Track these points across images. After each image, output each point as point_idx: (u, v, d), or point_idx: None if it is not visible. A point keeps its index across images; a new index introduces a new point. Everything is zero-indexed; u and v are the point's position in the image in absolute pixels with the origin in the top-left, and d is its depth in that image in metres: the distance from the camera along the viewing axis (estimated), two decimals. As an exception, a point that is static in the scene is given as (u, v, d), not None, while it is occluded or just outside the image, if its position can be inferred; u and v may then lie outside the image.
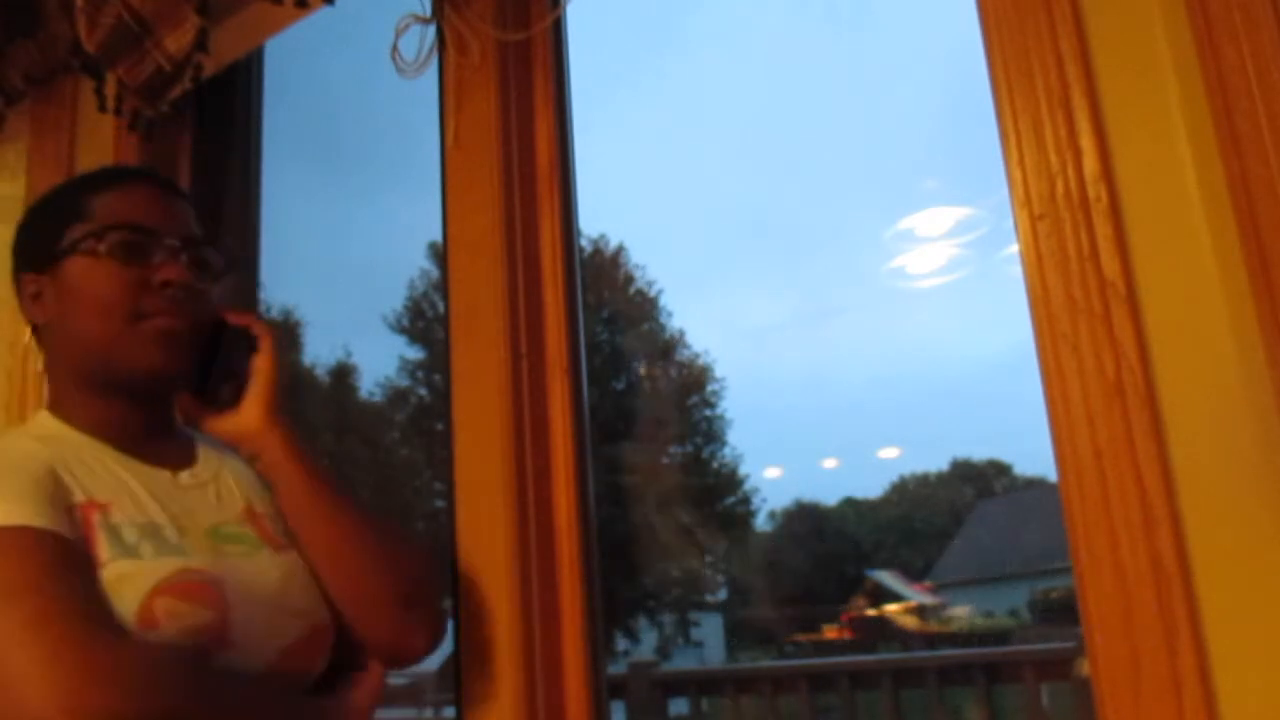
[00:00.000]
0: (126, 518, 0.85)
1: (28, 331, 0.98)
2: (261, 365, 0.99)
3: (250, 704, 0.81)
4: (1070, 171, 0.79)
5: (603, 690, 1.12)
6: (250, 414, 0.97)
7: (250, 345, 1.00)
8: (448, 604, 0.99)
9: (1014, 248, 0.82)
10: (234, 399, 0.98)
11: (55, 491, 0.83)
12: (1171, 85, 0.76)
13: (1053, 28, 0.82)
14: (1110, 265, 0.76)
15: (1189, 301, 0.74)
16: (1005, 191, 0.83)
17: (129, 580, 0.80)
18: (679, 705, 5.13)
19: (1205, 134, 0.74)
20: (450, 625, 1.07)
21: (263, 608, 0.87)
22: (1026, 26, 0.83)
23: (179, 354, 0.93)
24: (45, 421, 0.94)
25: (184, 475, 0.94)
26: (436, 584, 1.00)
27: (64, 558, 0.78)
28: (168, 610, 0.80)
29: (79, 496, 0.84)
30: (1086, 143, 0.79)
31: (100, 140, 1.58)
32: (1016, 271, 0.81)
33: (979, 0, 0.86)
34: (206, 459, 0.98)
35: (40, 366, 0.99)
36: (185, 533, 0.87)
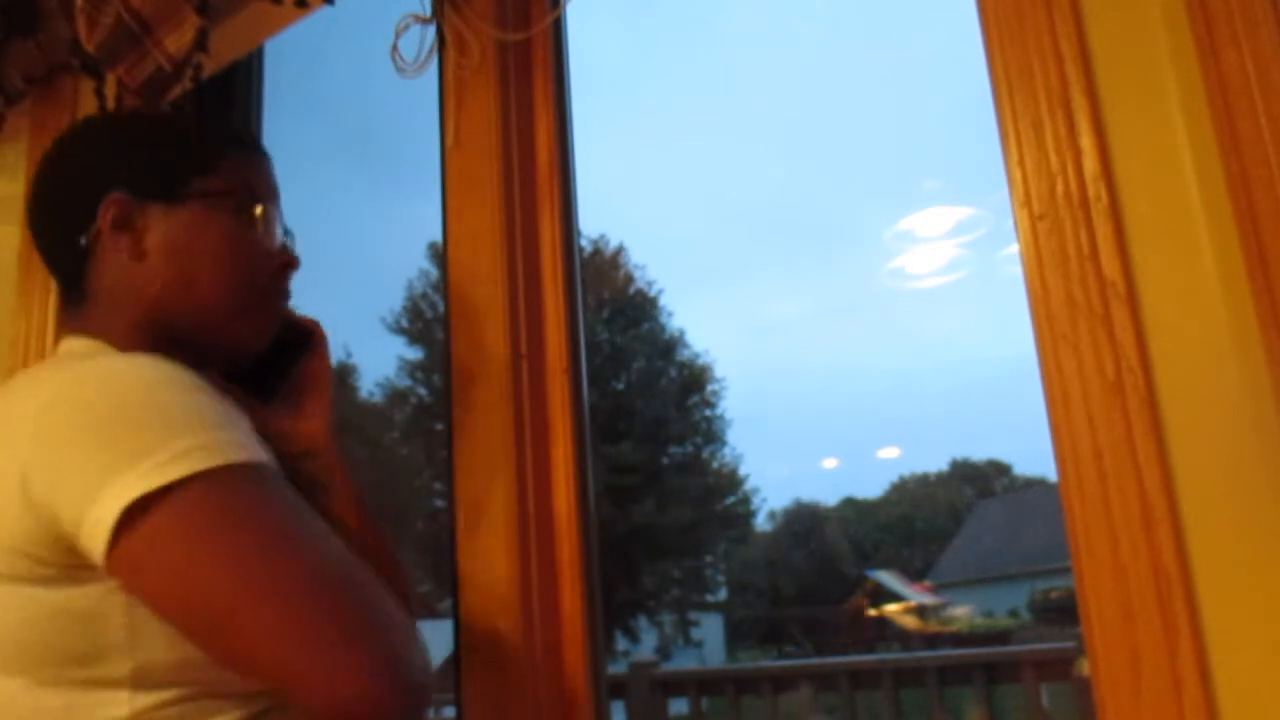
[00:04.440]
0: None
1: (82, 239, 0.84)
2: (321, 368, 0.96)
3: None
4: (1070, 171, 0.79)
5: (603, 690, 1.12)
6: (314, 418, 0.93)
7: (300, 343, 0.97)
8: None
9: (1014, 248, 0.82)
10: (285, 397, 0.95)
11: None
12: (1171, 85, 0.76)
13: (1053, 28, 0.82)
14: (1110, 265, 0.76)
15: (1189, 301, 0.74)
16: (1005, 191, 0.83)
17: None
18: (679, 705, 5.13)
19: (1205, 134, 0.74)
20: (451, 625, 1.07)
21: None
22: (1026, 26, 0.83)
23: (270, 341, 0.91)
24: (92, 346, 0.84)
25: None
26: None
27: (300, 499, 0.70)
28: None
29: None
30: (1086, 143, 0.79)
31: (100, 140, 1.58)
32: (1016, 271, 0.81)
33: (979, 0, 0.86)
34: None
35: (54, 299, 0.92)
36: None
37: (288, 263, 0.91)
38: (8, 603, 0.69)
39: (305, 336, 0.97)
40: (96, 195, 0.84)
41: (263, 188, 0.91)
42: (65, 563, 0.67)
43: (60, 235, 0.86)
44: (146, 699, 0.68)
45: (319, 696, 0.60)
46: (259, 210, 0.89)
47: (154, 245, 0.84)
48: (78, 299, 0.86)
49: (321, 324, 0.98)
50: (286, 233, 0.93)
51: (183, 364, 0.76)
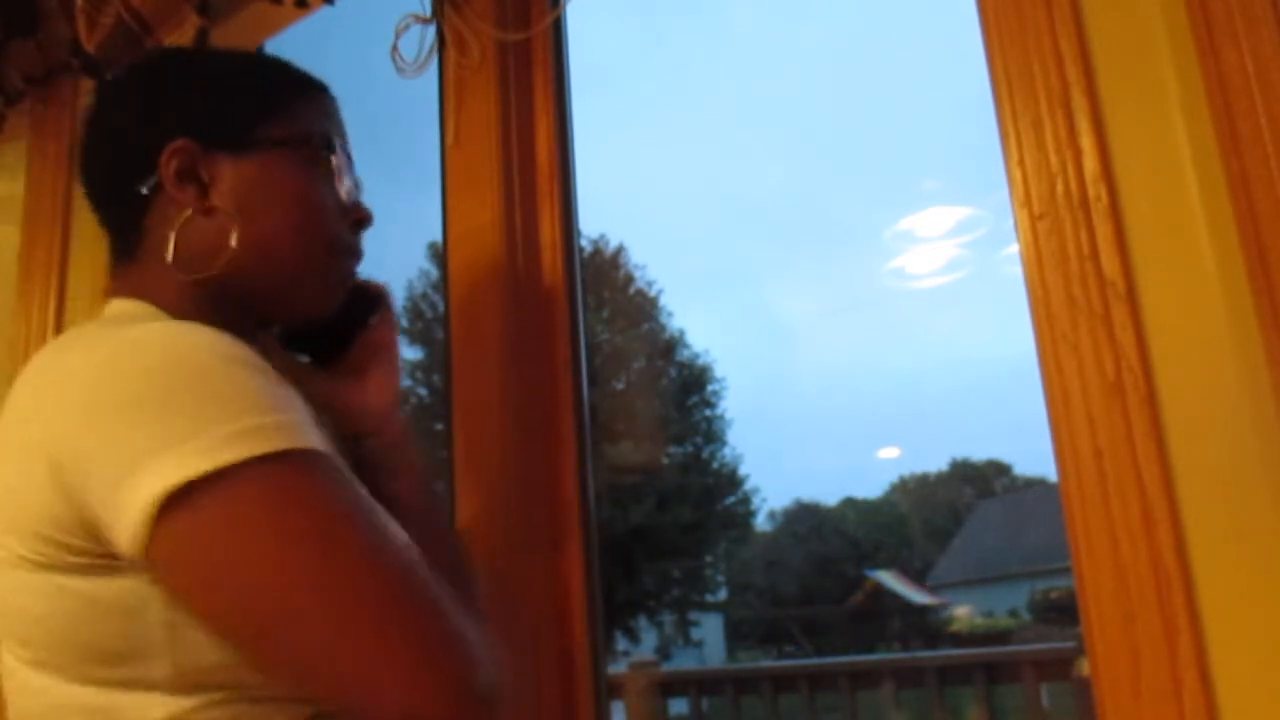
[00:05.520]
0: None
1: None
2: (388, 337, 0.87)
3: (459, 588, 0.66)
4: (1070, 171, 0.79)
5: (603, 690, 1.12)
6: (380, 390, 0.84)
7: (366, 309, 0.88)
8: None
9: (1014, 248, 0.82)
10: (348, 369, 0.86)
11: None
12: (1171, 85, 0.76)
13: (1053, 28, 0.82)
14: (1110, 265, 0.76)
15: (1189, 301, 0.74)
16: (1005, 191, 0.83)
17: None
18: (679, 705, 5.13)
19: (1205, 134, 0.74)
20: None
21: None
22: (1026, 26, 0.83)
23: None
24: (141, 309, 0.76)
25: None
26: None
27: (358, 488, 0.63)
28: None
29: None
30: (1086, 143, 0.79)
31: (100, 140, 1.58)
32: (1016, 271, 0.81)
33: (979, 0, 0.86)
34: None
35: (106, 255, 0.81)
36: None
37: (361, 218, 0.83)
38: (36, 592, 0.62)
39: (372, 301, 0.87)
40: (159, 141, 0.75)
41: (336, 133, 0.83)
42: (97, 551, 0.60)
43: (115, 184, 0.78)
44: (185, 702, 0.62)
45: (379, 716, 0.55)
46: (334, 160, 0.81)
47: (221, 199, 0.75)
48: (129, 256, 0.78)
49: (380, 284, 0.89)
50: (357, 184, 0.84)
51: (242, 330, 0.70)
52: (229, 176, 0.76)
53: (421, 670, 0.56)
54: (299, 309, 0.81)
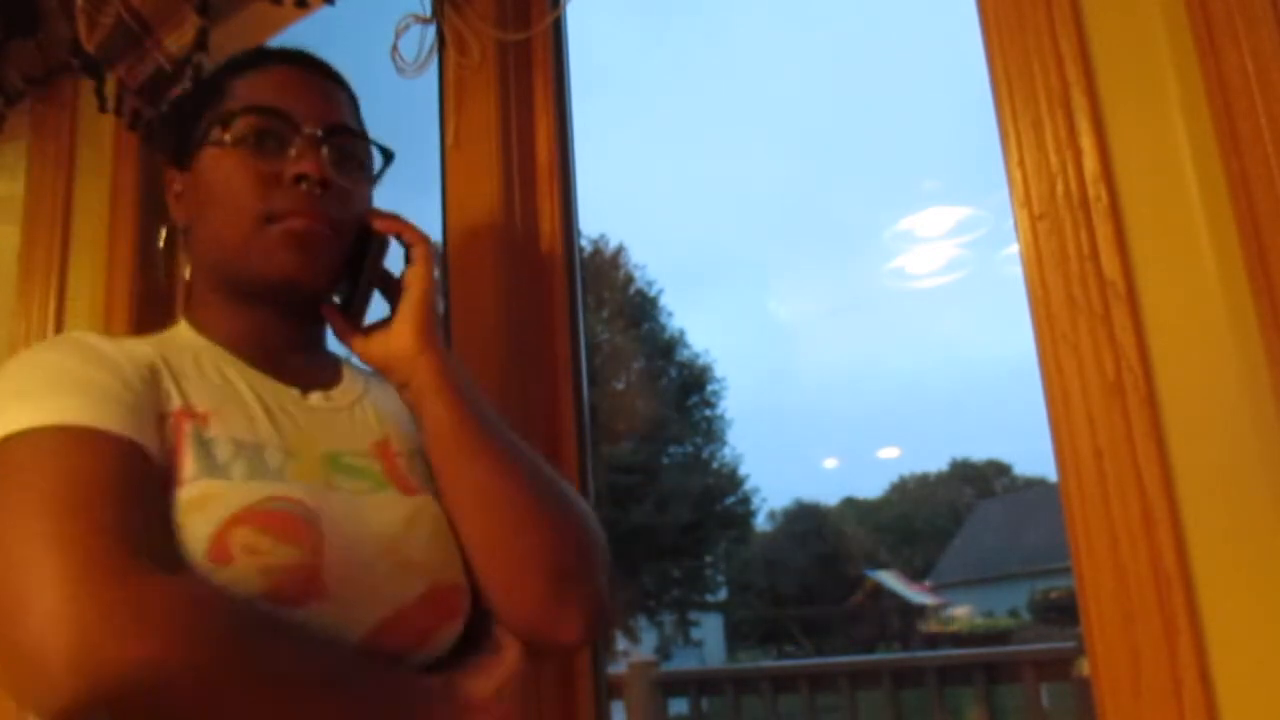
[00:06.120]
0: (226, 432, 0.72)
1: (163, 233, 0.90)
2: (413, 279, 0.83)
3: (323, 670, 0.65)
4: (1070, 171, 0.79)
5: (603, 690, 1.12)
6: (400, 335, 0.81)
7: (403, 255, 0.85)
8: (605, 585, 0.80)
9: (1014, 248, 0.82)
10: (384, 318, 0.84)
11: (144, 394, 0.71)
12: (1171, 85, 0.76)
13: (1053, 28, 0.82)
14: (1110, 265, 0.76)
15: (1189, 301, 0.74)
16: (1005, 191, 0.83)
17: (207, 504, 0.67)
18: (679, 705, 5.13)
19: (1205, 134, 0.74)
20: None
21: (370, 555, 0.72)
22: (1026, 26, 0.83)
23: (314, 260, 0.80)
24: (177, 327, 0.84)
25: (315, 396, 0.82)
26: (599, 561, 0.79)
27: (123, 469, 0.65)
28: (245, 544, 0.66)
29: (174, 403, 0.72)
30: (1086, 143, 0.79)
31: (100, 140, 1.58)
32: (1016, 271, 0.81)
33: (979, 0, 0.86)
34: (350, 383, 0.86)
35: (187, 274, 0.87)
36: (294, 457, 0.74)
37: (300, 174, 0.79)
38: None
39: (371, 240, 0.85)
40: (164, 180, 0.88)
41: (269, 96, 0.81)
42: None
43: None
44: None
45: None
46: (250, 125, 0.80)
47: (192, 207, 0.83)
48: None
49: (414, 225, 0.86)
50: (333, 134, 0.82)
51: (259, 313, 0.82)
52: (185, 189, 0.85)
53: (60, 633, 0.57)
54: (258, 279, 0.81)
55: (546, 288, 1.19)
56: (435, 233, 1.28)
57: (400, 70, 1.23)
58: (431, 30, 1.24)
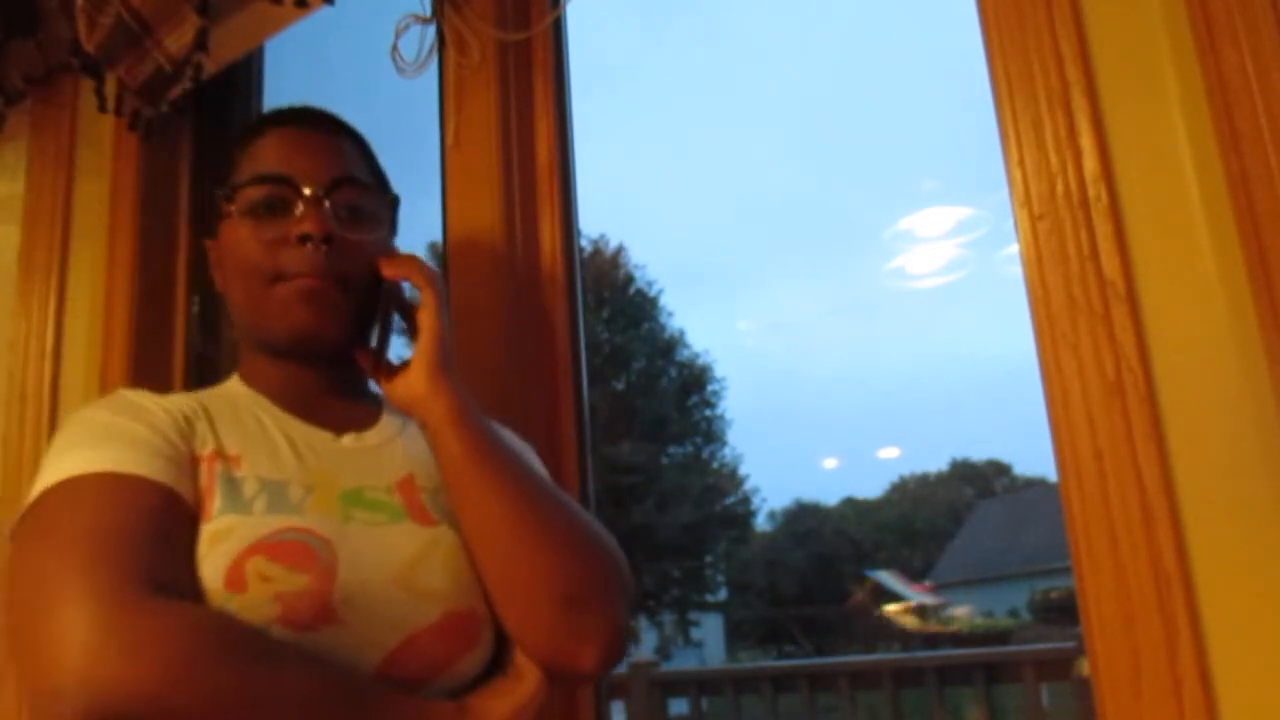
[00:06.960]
0: (253, 471, 0.77)
1: (196, 302, 0.94)
2: (424, 321, 0.87)
3: (327, 694, 0.67)
4: (1070, 171, 0.79)
5: (603, 690, 1.12)
6: (415, 376, 0.85)
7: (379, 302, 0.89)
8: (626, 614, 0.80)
9: (1014, 248, 0.82)
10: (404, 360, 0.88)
11: (178, 442, 0.77)
12: (1171, 85, 0.76)
13: (1053, 28, 0.82)
14: (1110, 265, 0.76)
15: (1189, 301, 0.74)
16: (1005, 191, 0.83)
17: (228, 536, 0.72)
18: (679, 705, 5.13)
19: (1205, 134, 0.74)
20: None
21: (382, 581, 0.74)
22: (1026, 26, 0.83)
23: (323, 314, 0.84)
24: (230, 381, 0.91)
25: (348, 438, 0.86)
26: (614, 587, 0.79)
27: (152, 508, 0.71)
28: (258, 572, 0.70)
29: (208, 447, 0.78)
30: (1086, 143, 0.79)
31: (100, 140, 1.58)
32: (1016, 271, 0.81)
33: (979, 0, 0.86)
34: (386, 425, 0.90)
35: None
36: (314, 492, 0.78)
37: (302, 235, 0.83)
38: None
39: (384, 294, 0.90)
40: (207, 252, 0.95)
41: (269, 163, 0.86)
42: None
43: None
44: None
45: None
46: (251, 195, 0.85)
47: (220, 274, 0.91)
48: None
49: (424, 266, 0.89)
50: (334, 189, 0.85)
51: (290, 364, 0.88)
52: (216, 259, 0.91)
53: (72, 654, 0.63)
54: (274, 337, 0.86)
55: (546, 288, 1.19)
56: (435, 233, 1.29)
57: (400, 70, 1.23)
58: (431, 30, 1.24)
